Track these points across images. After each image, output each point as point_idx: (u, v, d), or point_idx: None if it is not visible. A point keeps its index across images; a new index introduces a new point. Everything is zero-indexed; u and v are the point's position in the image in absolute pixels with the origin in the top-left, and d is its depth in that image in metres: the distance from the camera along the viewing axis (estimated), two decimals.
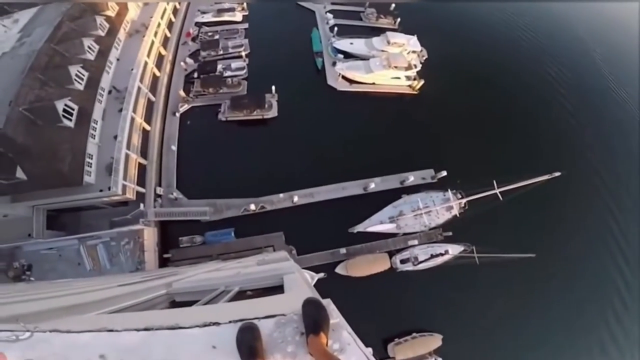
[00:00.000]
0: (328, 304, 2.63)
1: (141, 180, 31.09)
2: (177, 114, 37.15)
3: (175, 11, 46.99)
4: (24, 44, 31.45)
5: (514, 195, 32.26)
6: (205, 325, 2.34)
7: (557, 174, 32.09)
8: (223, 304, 4.46)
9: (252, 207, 31.13)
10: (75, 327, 2.41)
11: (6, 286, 18.94)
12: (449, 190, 33.92)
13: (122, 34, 37.00)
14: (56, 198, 26.74)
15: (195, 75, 40.57)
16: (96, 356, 2.11)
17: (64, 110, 27.25)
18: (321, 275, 27.47)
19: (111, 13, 36.91)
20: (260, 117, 37.97)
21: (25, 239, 26.98)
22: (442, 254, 31.32)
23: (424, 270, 30.97)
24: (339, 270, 30.21)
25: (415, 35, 47.48)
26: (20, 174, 24.64)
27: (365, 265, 30.37)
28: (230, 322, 2.37)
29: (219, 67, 41.24)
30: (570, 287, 32.89)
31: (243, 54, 43.29)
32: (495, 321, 30.31)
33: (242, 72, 41.52)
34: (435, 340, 28.73)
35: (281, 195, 32.29)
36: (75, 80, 29.54)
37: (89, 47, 32.52)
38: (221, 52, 43.13)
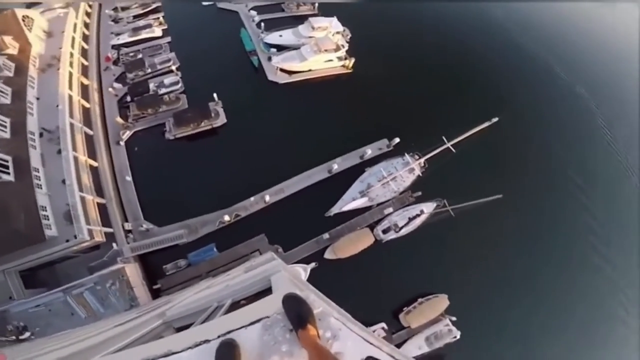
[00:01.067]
0: (307, 295, 2.69)
1: (105, 220, 30.43)
2: (122, 143, 36.14)
3: (85, 37, 44.88)
4: None
5: (464, 146, 35.70)
6: (196, 345, 2.45)
7: (495, 119, 35.78)
8: (212, 321, 4.55)
9: (227, 217, 31.68)
10: None
11: (11, 348, 18.98)
12: (406, 154, 36.81)
13: (32, 71, 34.95)
14: (24, 258, 25.73)
15: (128, 98, 39.52)
16: None
17: None
18: (313, 265, 29.04)
19: (13, 51, 34.51)
20: (209, 126, 38.17)
21: (7, 302, 25.93)
22: (418, 215, 33.60)
23: (407, 235, 33.05)
24: (328, 255, 31.57)
25: (335, 17, 50.34)
26: None
27: (351, 244, 31.83)
28: (218, 336, 2.50)
29: (152, 85, 40.58)
30: (540, 217, 37.54)
31: (173, 67, 42.84)
32: (486, 265, 32.99)
33: (178, 86, 41.19)
34: (442, 301, 30.39)
35: (252, 198, 32.97)
36: None
37: (1, 91, 30.66)
38: (149, 71, 42.31)
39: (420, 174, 36.44)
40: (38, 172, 28.73)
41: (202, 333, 2.63)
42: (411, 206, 34.66)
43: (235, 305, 5.40)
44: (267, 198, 33.20)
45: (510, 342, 30.37)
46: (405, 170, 35.90)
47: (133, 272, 28.20)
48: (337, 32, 49.81)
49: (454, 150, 35.30)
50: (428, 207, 34.37)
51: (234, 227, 32.04)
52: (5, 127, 28.91)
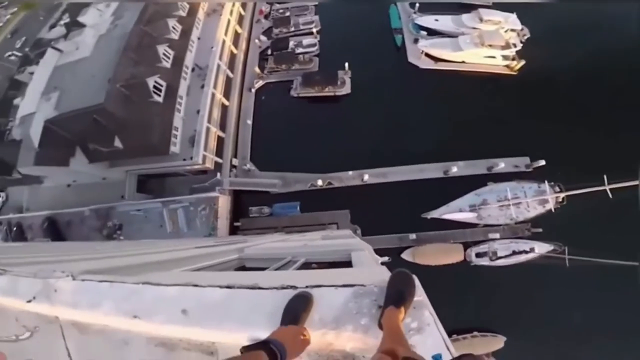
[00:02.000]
0: (415, 279, 2.62)
1: (219, 152, 34.22)
2: (253, 90, 39.77)
3: None
4: (117, 27, 36.62)
5: (627, 194, 28.07)
6: (283, 288, 2.51)
7: None
8: (298, 271, 4.72)
9: (320, 182, 32.26)
10: (164, 280, 2.74)
11: (102, 244, 22.50)
12: (546, 182, 31.33)
13: (201, 14, 40.72)
14: (146, 165, 31.46)
15: (269, 52, 43.13)
16: (179, 310, 2.39)
17: (154, 87, 31.51)
18: (385, 259, 27.38)
19: None
20: (332, 94, 38.93)
21: (118, 201, 32.15)
22: (526, 252, 29.13)
23: (502, 267, 29.29)
24: (405, 256, 29.93)
25: (515, 13, 43.86)
26: (117, 143, 29.53)
27: (436, 254, 29.55)
28: (307, 286, 2.51)
29: (291, 43, 43.21)
30: None
31: (314, 30, 44.58)
32: (569, 332, 27.58)
33: (314, 49, 42.84)
34: (496, 342, 27.63)
35: (350, 172, 32.64)
36: (163, 59, 33.73)
37: (173, 28, 36.63)
38: (292, 29, 45.03)
39: (553, 210, 30.56)
40: (181, 99, 33.73)
41: (290, 278, 2.71)
42: (523, 240, 30.08)
43: (306, 265, 5.57)
44: (366, 177, 32.34)
45: None
46: (536, 200, 30.63)
47: (224, 204, 31.46)
48: (513, 30, 43.72)
49: (610, 195, 28.88)
50: (541, 248, 29.48)
51: (324, 194, 32.40)
52: (168, 58, 34.64)
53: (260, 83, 40.58)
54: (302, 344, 2.06)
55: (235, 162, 34.03)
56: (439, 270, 28.94)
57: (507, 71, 41.48)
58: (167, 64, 34.07)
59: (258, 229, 30.25)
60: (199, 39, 38.95)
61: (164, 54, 33.84)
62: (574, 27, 44.80)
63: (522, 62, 40.69)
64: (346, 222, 30.62)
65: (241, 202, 33.53)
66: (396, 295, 2.38)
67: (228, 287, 2.56)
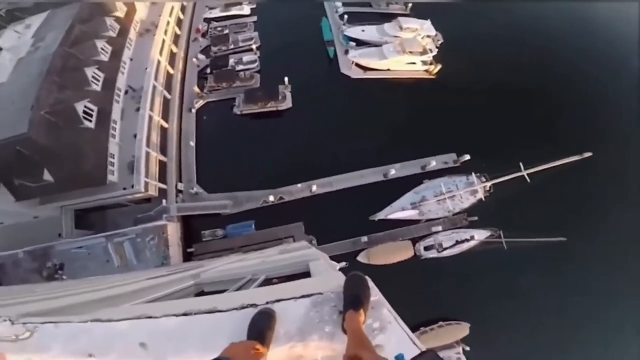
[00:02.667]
0: (368, 281, 2.72)
1: (162, 177, 33.14)
2: (193, 111, 39.08)
3: (183, 9, 49.13)
4: (39, 49, 33.67)
5: (542, 178, 32.78)
6: (243, 308, 2.49)
7: (588, 154, 32.40)
8: (258, 289, 4.65)
9: (271, 198, 32.75)
10: (115, 316, 2.59)
11: (42, 285, 20.96)
12: (473, 174, 34.57)
13: (133, 34, 39.40)
14: (83, 198, 29.35)
15: (208, 71, 42.73)
16: (137, 344, 2.29)
17: (84, 112, 29.69)
18: (343, 264, 28.58)
19: (120, 14, 39.14)
20: (274, 109, 39.66)
21: (56, 239, 29.56)
22: (467, 240, 31.81)
23: (449, 257, 31.62)
24: (361, 258, 31.16)
25: (429, 20, 48.18)
26: (47, 176, 27.10)
27: (388, 253, 31.18)
28: (267, 303, 2.54)
29: (231, 61, 43.22)
30: (605, 271, 32.47)
31: (254, 47, 45.08)
32: (524, 308, 30.60)
33: (255, 66, 43.28)
34: (462, 329, 29.38)
35: (299, 185, 33.57)
36: (92, 82, 32.00)
37: (102, 49, 34.98)
38: (232, 47, 45.03)
39: (483, 199, 34.05)
40: (116, 124, 32.21)
41: (249, 298, 2.71)
42: (463, 230, 32.90)
43: (268, 282, 5.57)
44: (314, 188, 33.49)
45: None
46: (468, 191, 33.94)
47: (174, 231, 30.48)
48: (429, 36, 47.78)
49: (528, 180, 32.81)
50: (480, 235, 32.42)
51: (276, 210, 33.01)
52: (98, 81, 32.85)
53: (201, 103, 40.10)
54: (254, 358, 2.04)
55: (181, 186, 33.16)
56: (394, 268, 30.76)
57: (427, 75, 45.48)
58: (97, 87, 32.32)
59: (214, 253, 29.63)
60: (131, 60, 37.67)
61: (93, 77, 32.12)
62: (486, 30, 50.50)
63: (440, 67, 44.93)
64: (301, 234, 31.34)
65: (192, 227, 32.87)
66: (353, 299, 2.44)
67: (185, 314, 2.52)
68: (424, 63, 44.91)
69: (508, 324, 30.10)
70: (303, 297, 2.59)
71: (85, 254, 29.07)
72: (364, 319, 2.34)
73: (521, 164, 33.11)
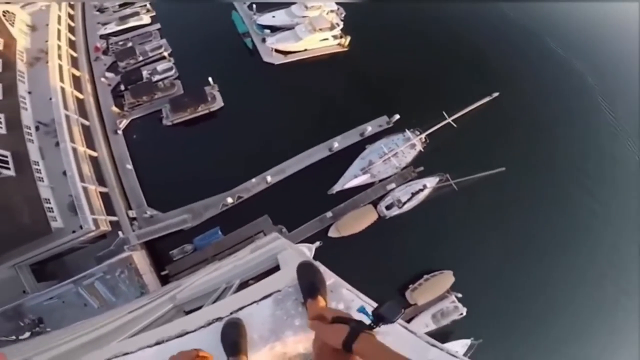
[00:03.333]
0: (319, 265, 2.77)
1: (109, 209, 31.35)
2: (119, 132, 36.77)
3: (71, 29, 44.88)
4: None
5: (465, 121, 36.56)
6: (209, 324, 2.51)
7: (496, 94, 36.32)
8: (224, 300, 4.64)
9: (229, 200, 32.66)
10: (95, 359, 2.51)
11: (27, 342, 19.96)
12: (407, 130, 37.68)
13: (21, 65, 35.64)
14: (32, 252, 26.79)
15: (122, 87, 40.17)
16: None
17: None
18: (317, 244, 30.53)
19: None
20: (206, 111, 39.02)
21: (22, 296, 27.07)
22: (421, 190, 34.40)
23: (412, 211, 34.01)
24: (332, 233, 32.50)
25: None
26: None
27: (355, 221, 32.69)
28: (231, 313, 2.58)
29: (145, 73, 41.13)
30: (543, 189, 38.26)
31: (165, 54, 43.44)
32: (490, 240, 34.04)
33: (172, 73, 41.73)
34: (447, 277, 31.28)
35: (254, 180, 33.88)
36: None
37: None
38: (141, 59, 42.77)
39: (422, 150, 37.06)
40: (38, 165, 29.57)
41: (214, 312, 2.73)
42: (414, 181, 35.46)
43: (243, 285, 5.53)
44: (269, 179, 34.00)
45: (517, 316, 31.47)
46: (407, 146, 36.70)
47: (141, 259, 29.28)
48: (331, 11, 50.01)
49: (454, 125, 36.13)
50: (431, 182, 35.09)
51: (238, 209, 33.13)
52: (0, 123, 29.57)
53: (125, 122, 37.70)
54: None
55: (132, 213, 31.62)
56: (365, 234, 32.60)
57: (340, 48, 48.07)
58: (1, 130, 29.07)
59: (189, 269, 29.32)
60: (29, 93, 34.21)
61: None
62: None
63: (349, 38, 47.65)
64: (270, 226, 31.87)
65: (158, 249, 31.50)
66: (309, 287, 2.46)
67: (157, 343, 2.53)
68: (335, 37, 47.35)
69: (484, 260, 33.08)
70: (264, 298, 2.63)
71: (59, 304, 27.05)
72: (325, 303, 2.39)
73: (444, 113, 36.59)
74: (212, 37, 47.17)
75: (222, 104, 39.84)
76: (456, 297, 30.84)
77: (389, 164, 36.18)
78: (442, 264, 32.23)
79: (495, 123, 40.60)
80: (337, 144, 36.92)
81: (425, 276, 31.53)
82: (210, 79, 40.30)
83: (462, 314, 30.42)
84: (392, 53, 47.77)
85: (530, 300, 32.41)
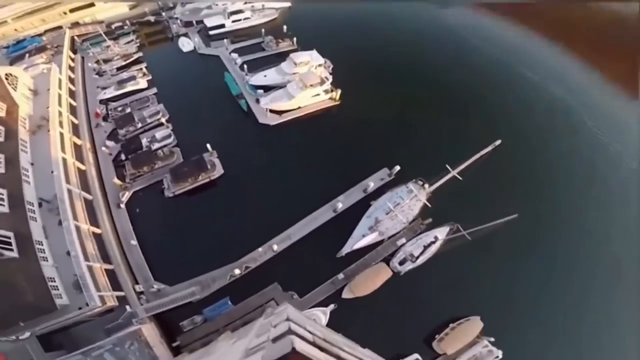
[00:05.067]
0: None
1: (116, 285, 32.42)
2: (122, 205, 38.43)
3: (71, 93, 47.54)
4: None
5: (470, 171, 38.02)
6: None
7: (498, 142, 37.81)
8: None
9: (237, 271, 33.81)
10: None
11: None
12: (410, 182, 39.82)
13: (23, 134, 36.86)
14: (39, 326, 27.41)
15: (123, 157, 42.14)
16: None
17: (0, 242, 27.59)
18: (332, 307, 31.85)
19: (0, 113, 36.23)
20: (207, 179, 40.90)
21: None
22: (433, 242, 35.73)
23: (425, 264, 35.27)
24: (346, 295, 33.44)
25: (314, 49, 55.52)
26: None
27: (368, 280, 33.68)
28: None
29: (144, 141, 43.37)
30: (559, 229, 40.11)
31: (163, 120, 45.96)
32: (511, 282, 35.73)
33: (170, 140, 44.11)
34: (475, 323, 32.05)
35: (260, 249, 35.28)
36: None
37: None
38: (140, 125, 45.20)
39: (427, 203, 38.76)
40: (42, 244, 30.38)
41: None
42: (424, 234, 36.91)
43: None
44: (275, 247, 35.28)
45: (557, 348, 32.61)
46: (411, 199, 38.53)
47: (150, 331, 29.85)
48: (319, 65, 54.47)
49: (460, 178, 37.24)
50: (442, 233, 36.45)
51: (246, 279, 34.23)
52: (3, 200, 30.35)
53: (127, 195, 39.43)
54: None
55: (139, 288, 32.62)
56: (380, 292, 33.52)
57: (332, 102, 51.65)
58: (4, 207, 29.88)
59: (200, 339, 30.06)
60: (32, 164, 35.51)
61: None
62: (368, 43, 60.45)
63: (339, 91, 51.36)
64: (280, 294, 32.96)
65: (168, 321, 32.01)
66: None
67: None
68: (326, 92, 51.23)
69: (509, 301, 34.40)
70: None
71: None
72: None
73: (447, 166, 37.50)
74: (207, 100, 50.12)
75: (222, 171, 41.79)
76: (489, 341, 31.43)
77: (396, 220, 37.50)
78: (467, 311, 33.20)
79: (500, 169, 43.03)
80: (340, 204, 38.67)
81: (451, 325, 32.20)
82: (208, 145, 42.46)
83: (497, 357, 30.88)
84: (383, 103, 51.16)
85: (564, 327, 33.82)
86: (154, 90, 50.57)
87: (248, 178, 41.72)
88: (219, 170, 41.67)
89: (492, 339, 31.53)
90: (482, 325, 32.10)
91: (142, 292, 32.64)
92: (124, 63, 54.81)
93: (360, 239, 36.40)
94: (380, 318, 32.28)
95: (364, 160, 44.13)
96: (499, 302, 34.25)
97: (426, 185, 39.26)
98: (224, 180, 41.65)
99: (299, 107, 49.70)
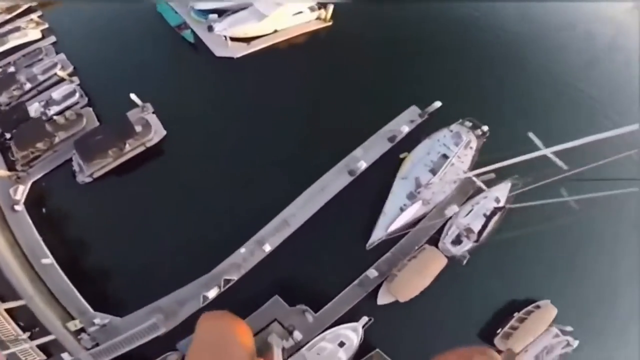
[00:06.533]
0: None
1: (34, 327, 30.83)
2: (19, 207, 35.56)
3: None
4: None
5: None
6: None
7: None
8: None
9: (211, 293, 31.28)
10: None
11: None
12: (454, 125, 38.92)
13: None
14: None
15: (7, 136, 38.97)
16: None
17: None
18: (364, 320, 29.81)
19: None
20: (141, 148, 38.19)
21: None
22: (497, 208, 34.21)
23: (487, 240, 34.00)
24: (383, 300, 31.84)
25: None
26: None
27: (415, 276, 31.64)
28: None
29: (34, 107, 40.81)
30: None
31: (62, 74, 43.70)
32: (590, 259, 36.21)
33: (75, 98, 41.63)
34: (547, 311, 32.36)
35: (242, 250, 32.93)
36: None
37: None
38: (28, 86, 43.02)
39: (480, 147, 38.16)
40: None
41: None
42: (481, 196, 35.71)
43: None
44: (267, 244, 33.12)
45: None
46: (462, 147, 37.31)
47: None
48: None
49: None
50: (502, 192, 35.61)
51: (230, 296, 31.73)
52: None
53: (23, 189, 36.18)
54: None
55: (75, 325, 30.51)
56: (432, 289, 31.99)
57: (322, 24, 50.73)
58: None
59: None
60: None
61: None
62: None
63: (331, 8, 50.10)
64: (285, 311, 31.30)
65: None
66: None
67: None
68: (312, 9, 49.79)
69: (579, 287, 34.90)
70: None
71: None
72: None
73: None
74: (135, 38, 48.50)
75: (163, 133, 39.37)
76: (562, 330, 32.13)
77: (444, 179, 35.95)
78: (533, 294, 33.88)
79: None
80: (361, 161, 36.19)
81: (516, 314, 32.51)
82: (134, 97, 39.57)
83: (572, 346, 31.87)
84: (388, 22, 50.25)
85: None
86: (52, 39, 49.40)
87: (209, 138, 39.62)
88: (158, 132, 39.38)
89: (569, 328, 32.11)
90: (556, 311, 32.26)
91: (82, 330, 30.53)
92: (9, 16, 53.02)
93: (397, 214, 34.11)
94: (424, 320, 32.01)
95: (381, 97, 43.27)
96: (574, 280, 34.69)
97: (483, 127, 38.42)
98: (170, 146, 39.39)
99: (275, 31, 48.81)
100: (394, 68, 46.11)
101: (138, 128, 38.14)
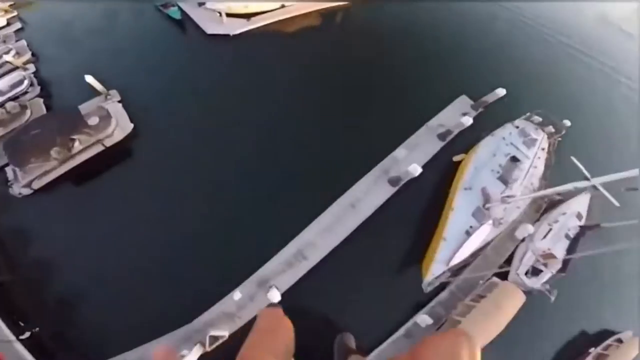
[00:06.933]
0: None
1: None
2: None
3: None
4: None
5: None
6: None
7: None
8: None
9: (192, 357, 24.29)
10: None
11: None
12: (519, 120, 34.25)
13: None
14: None
15: None
16: None
17: None
18: None
19: None
20: (97, 144, 32.22)
21: None
22: (584, 227, 29.48)
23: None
24: None
25: None
26: None
27: (484, 321, 25.44)
28: None
29: None
30: None
31: (14, 60, 40.57)
32: None
33: (23, 87, 37.56)
34: (632, 345, 27.86)
35: (237, 293, 25.86)
36: None
37: None
38: None
39: (555, 146, 33.69)
40: None
41: None
42: (557, 210, 30.60)
43: None
44: (274, 293, 25.59)
45: None
46: (534, 148, 32.29)
47: None
48: None
49: None
50: (582, 204, 30.94)
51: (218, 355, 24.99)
52: None
53: None
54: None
55: None
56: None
57: (339, 1, 48.74)
58: None
59: None
60: None
61: None
62: None
63: None
64: None
65: None
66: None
67: None
68: None
69: None
70: None
71: None
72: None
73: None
74: (115, 23, 46.08)
75: (130, 127, 34.04)
76: None
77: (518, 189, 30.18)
78: (612, 325, 29.20)
79: None
80: (410, 166, 29.15)
81: (592, 350, 27.71)
82: (91, 80, 34.49)
83: None
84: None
85: None
86: (17, 25, 47.53)
87: (194, 137, 34.15)
88: (122, 126, 33.72)
89: None
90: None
91: None
92: None
93: (462, 239, 26.88)
94: None
95: (420, 84, 39.26)
96: None
97: (565, 122, 34.43)
98: (139, 146, 33.73)
99: (282, 6, 46.31)
100: (421, 53, 43.02)
101: (93, 120, 32.53)
